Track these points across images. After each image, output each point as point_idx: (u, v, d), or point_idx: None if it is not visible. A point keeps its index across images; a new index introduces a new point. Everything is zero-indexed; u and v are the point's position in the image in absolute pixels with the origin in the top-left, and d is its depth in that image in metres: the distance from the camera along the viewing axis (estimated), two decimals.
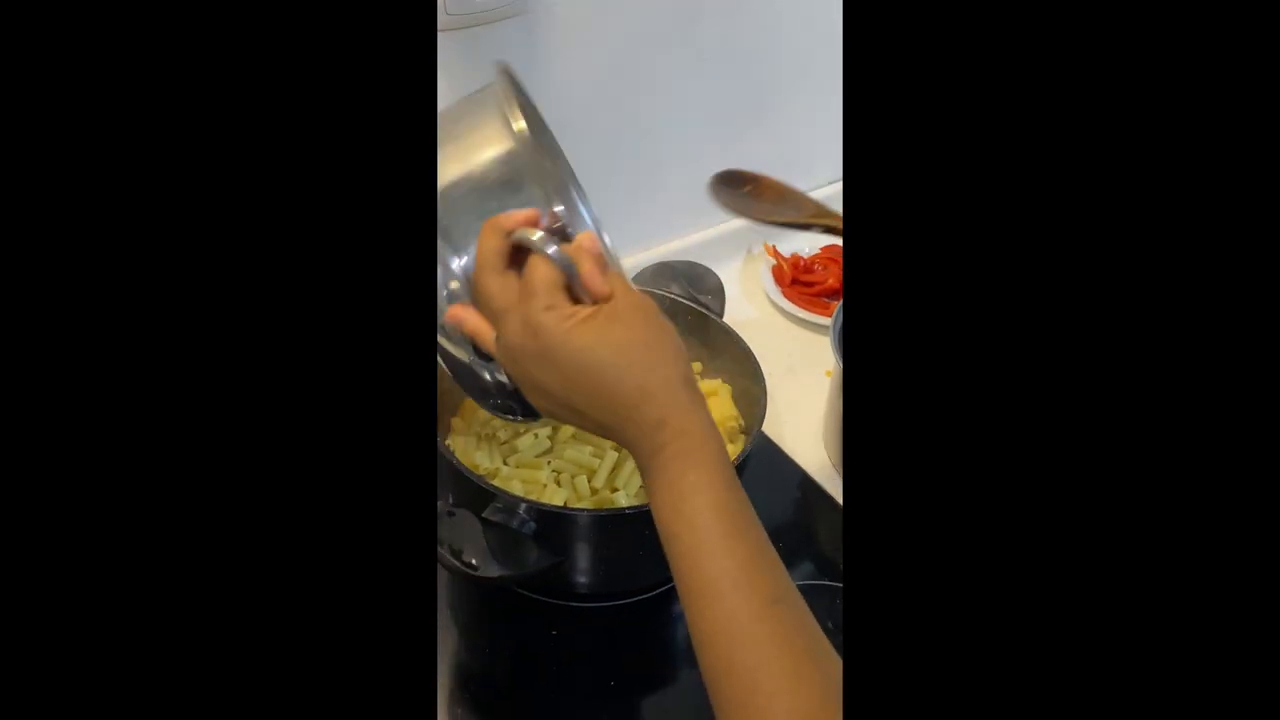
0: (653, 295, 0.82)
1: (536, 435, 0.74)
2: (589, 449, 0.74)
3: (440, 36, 0.75)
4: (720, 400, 0.80)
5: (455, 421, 0.77)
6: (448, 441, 0.74)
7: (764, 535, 0.43)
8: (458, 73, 0.79)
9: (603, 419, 0.46)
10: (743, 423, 0.78)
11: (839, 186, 1.17)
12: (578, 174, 0.92)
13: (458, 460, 0.66)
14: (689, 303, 0.81)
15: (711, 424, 0.46)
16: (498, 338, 0.48)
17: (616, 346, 0.45)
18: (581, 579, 0.70)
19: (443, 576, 0.69)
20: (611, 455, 0.73)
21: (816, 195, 1.14)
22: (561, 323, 0.45)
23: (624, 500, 0.70)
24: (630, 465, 0.71)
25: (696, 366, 0.83)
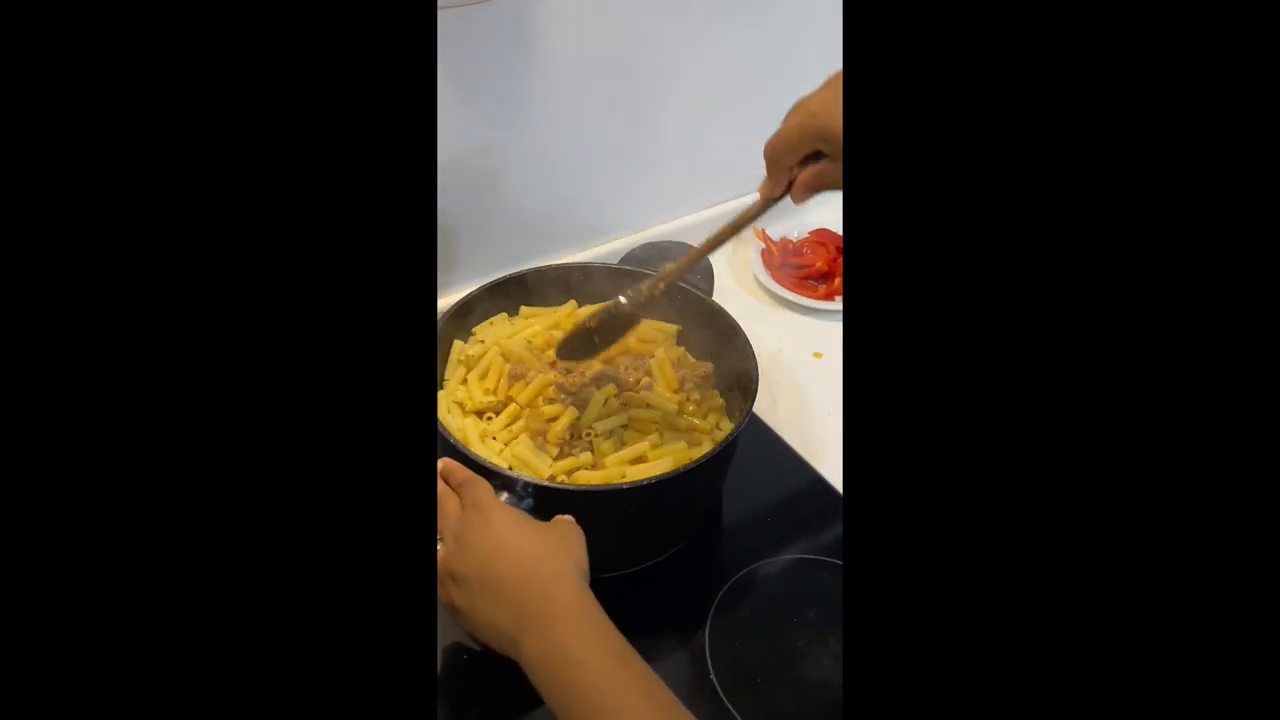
0: (642, 275, 0.83)
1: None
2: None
3: (438, 14, 0.76)
4: (707, 381, 0.81)
5: None
6: None
7: (646, 665, 0.50)
8: (454, 52, 0.79)
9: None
10: (729, 403, 0.79)
11: None
12: (574, 153, 0.93)
13: None
14: (680, 283, 0.82)
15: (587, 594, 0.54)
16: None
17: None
18: None
19: None
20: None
21: None
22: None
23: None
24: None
25: (682, 350, 0.84)
